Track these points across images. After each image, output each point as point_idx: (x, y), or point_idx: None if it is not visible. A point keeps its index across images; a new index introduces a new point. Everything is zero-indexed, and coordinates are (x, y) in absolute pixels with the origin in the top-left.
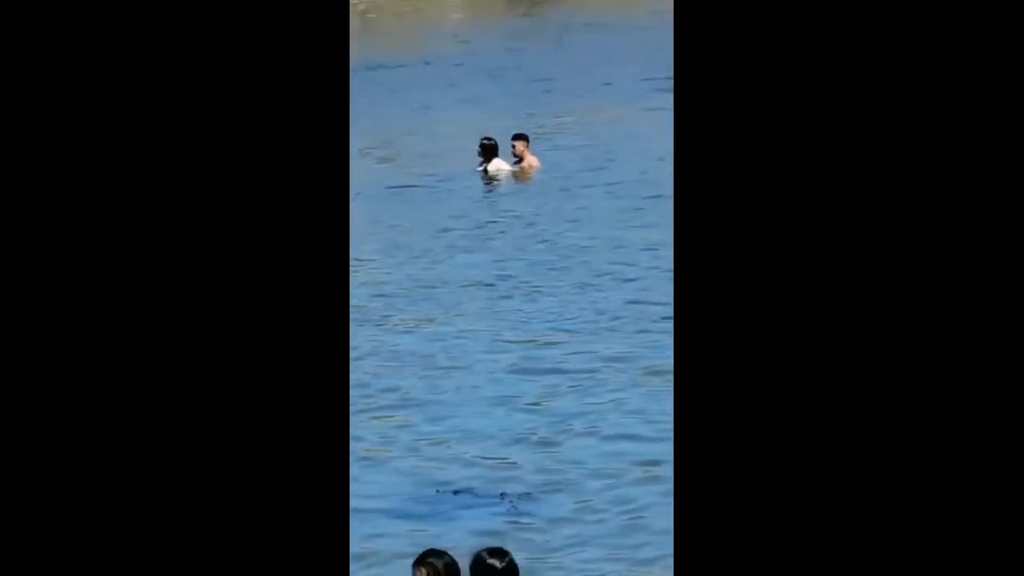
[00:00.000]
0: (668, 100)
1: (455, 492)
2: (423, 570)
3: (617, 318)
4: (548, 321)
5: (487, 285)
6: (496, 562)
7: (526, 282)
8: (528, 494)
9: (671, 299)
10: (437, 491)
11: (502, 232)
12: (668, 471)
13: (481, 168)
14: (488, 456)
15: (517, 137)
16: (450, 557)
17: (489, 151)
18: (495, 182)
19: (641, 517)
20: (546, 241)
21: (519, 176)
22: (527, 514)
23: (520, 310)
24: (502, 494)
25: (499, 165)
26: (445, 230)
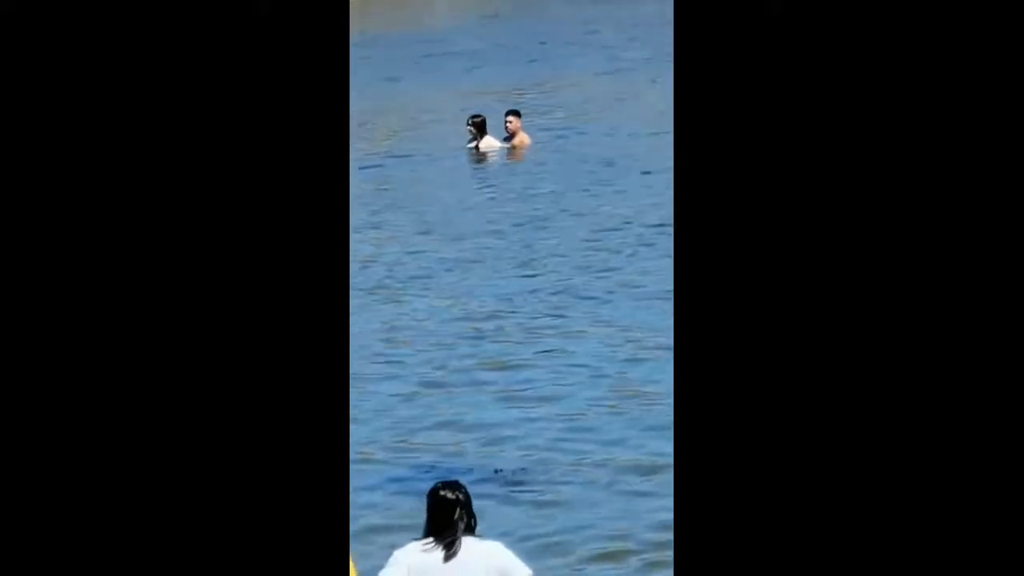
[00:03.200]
0: (655, 72)
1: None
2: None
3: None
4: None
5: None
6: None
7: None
8: (523, 469)
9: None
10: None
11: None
12: None
13: (472, 145)
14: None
15: (511, 113)
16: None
17: (479, 128)
18: (486, 160)
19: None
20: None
21: (511, 154)
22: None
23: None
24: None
25: (490, 142)
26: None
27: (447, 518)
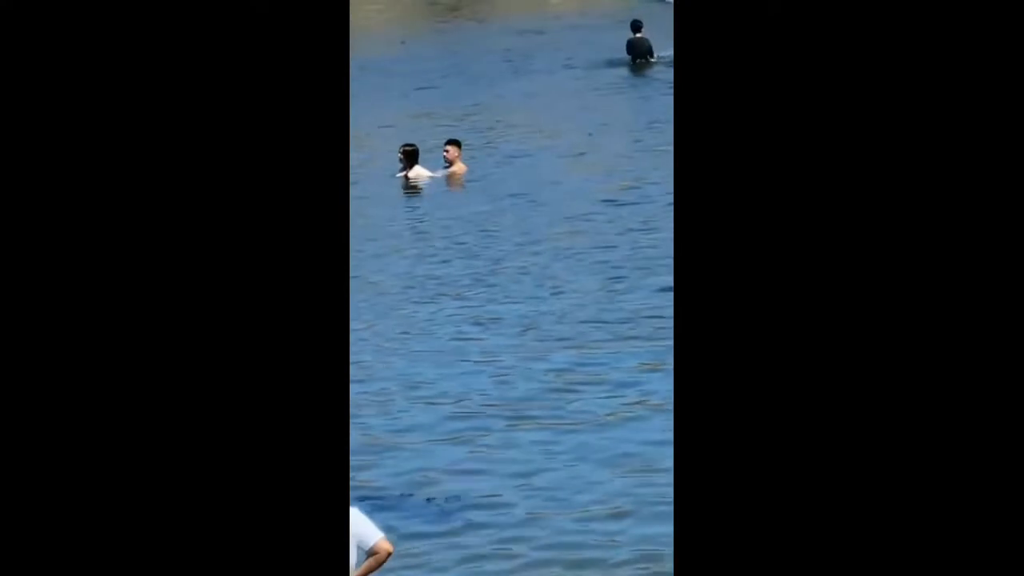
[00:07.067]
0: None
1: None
2: None
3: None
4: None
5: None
6: None
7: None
8: (456, 497)
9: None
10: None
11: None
12: None
13: (401, 175)
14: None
15: (450, 142)
16: None
17: (410, 157)
18: (416, 189)
19: None
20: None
21: (449, 182)
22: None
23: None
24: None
25: (420, 172)
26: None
27: None
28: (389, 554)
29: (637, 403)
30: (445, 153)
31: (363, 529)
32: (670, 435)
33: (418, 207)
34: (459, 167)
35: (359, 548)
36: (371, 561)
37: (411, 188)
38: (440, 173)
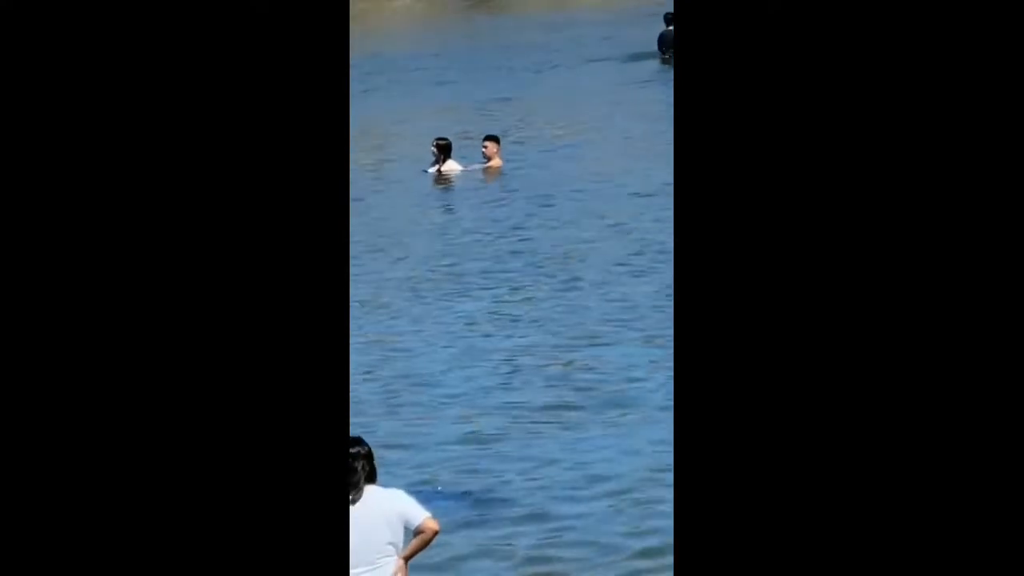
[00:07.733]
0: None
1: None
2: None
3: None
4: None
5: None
6: (351, 448)
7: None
8: (467, 492)
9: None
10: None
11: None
12: None
13: (434, 169)
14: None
15: (489, 138)
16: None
17: (443, 151)
18: (449, 183)
19: None
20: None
21: (486, 176)
22: None
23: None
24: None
25: (452, 166)
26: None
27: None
28: (436, 533)
29: (661, 400)
30: (484, 149)
31: (409, 509)
32: None
33: (450, 200)
34: (496, 162)
35: (405, 528)
36: (418, 540)
37: (444, 182)
38: (474, 167)
